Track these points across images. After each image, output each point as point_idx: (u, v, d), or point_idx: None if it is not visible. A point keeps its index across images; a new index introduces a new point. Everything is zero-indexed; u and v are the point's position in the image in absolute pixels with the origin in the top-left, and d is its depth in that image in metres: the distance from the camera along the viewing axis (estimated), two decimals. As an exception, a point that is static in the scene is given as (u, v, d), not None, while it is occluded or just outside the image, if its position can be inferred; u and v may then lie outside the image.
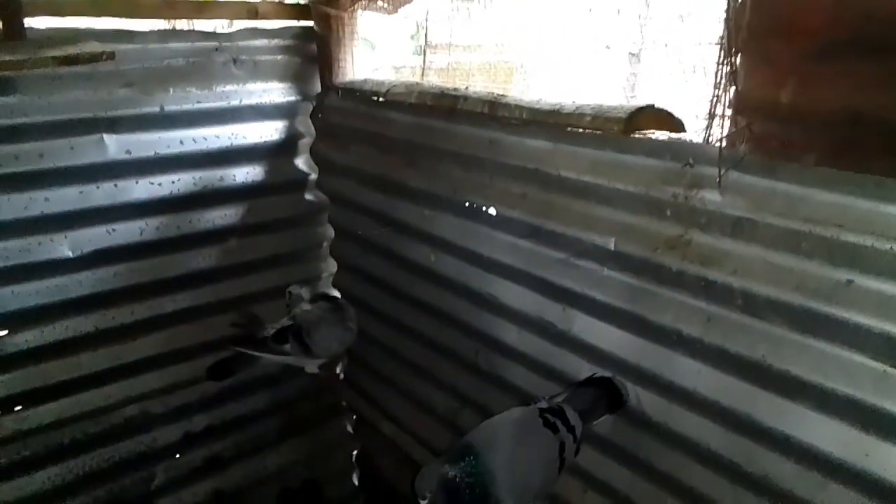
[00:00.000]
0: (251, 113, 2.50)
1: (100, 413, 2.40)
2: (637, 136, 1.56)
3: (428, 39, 2.76)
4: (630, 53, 3.09)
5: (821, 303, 1.27)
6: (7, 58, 1.76)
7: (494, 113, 1.77)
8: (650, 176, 1.53)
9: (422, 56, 2.63)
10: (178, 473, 2.63)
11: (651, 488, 1.70)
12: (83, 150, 2.17)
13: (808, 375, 1.31)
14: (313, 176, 2.74)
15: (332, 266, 2.88)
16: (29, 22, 1.99)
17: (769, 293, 1.34)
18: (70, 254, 2.21)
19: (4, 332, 2.17)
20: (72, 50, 1.85)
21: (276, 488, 2.82)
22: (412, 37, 3.11)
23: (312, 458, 2.96)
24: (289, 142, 2.64)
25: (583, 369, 1.79)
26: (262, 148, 2.57)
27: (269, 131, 2.57)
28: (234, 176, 2.53)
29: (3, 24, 1.93)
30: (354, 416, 3.11)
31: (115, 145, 2.22)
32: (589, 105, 1.56)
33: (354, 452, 3.15)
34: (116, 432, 2.45)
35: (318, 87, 2.64)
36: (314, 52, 2.59)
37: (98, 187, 2.22)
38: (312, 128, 2.66)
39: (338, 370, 3.00)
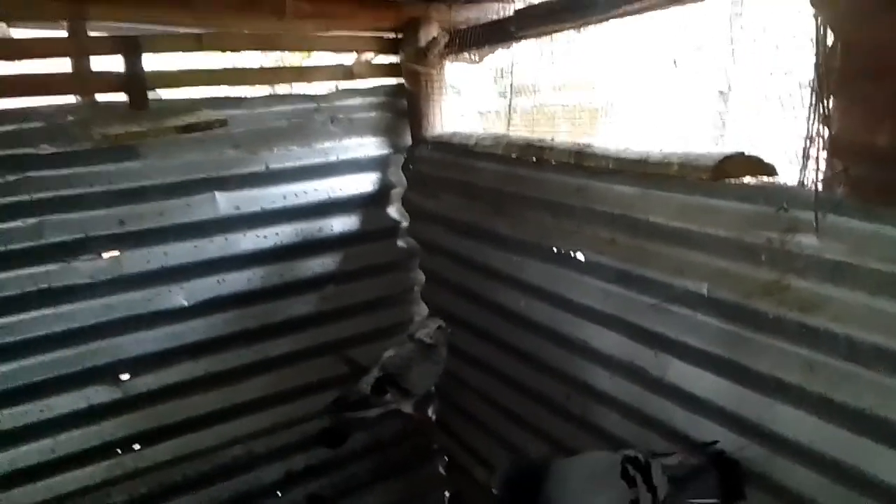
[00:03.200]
0: (347, 167, 2.65)
1: (209, 452, 2.55)
2: (726, 181, 1.56)
3: (512, 84, 2.84)
4: (719, 91, 3.06)
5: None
6: (134, 128, 1.98)
7: (581, 162, 1.81)
8: (743, 220, 1.51)
9: (507, 99, 2.72)
10: (280, 512, 2.74)
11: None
12: (198, 208, 2.36)
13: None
14: (405, 224, 2.85)
15: (423, 310, 2.96)
16: (151, 94, 2.22)
17: (874, 340, 1.29)
18: (185, 303, 2.39)
19: (126, 377, 2.35)
20: (189, 119, 2.04)
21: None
22: (496, 80, 3.20)
23: (406, 499, 3.01)
24: (382, 192, 2.77)
25: (677, 416, 1.76)
26: (358, 199, 2.71)
27: (364, 183, 2.72)
28: (332, 226, 2.67)
29: (129, 97, 2.16)
30: (447, 459, 3.14)
31: (225, 202, 2.40)
32: (676, 153, 1.57)
33: (447, 495, 3.17)
34: (224, 471, 2.59)
35: (408, 140, 2.77)
36: (405, 106, 2.73)
37: (211, 241, 2.41)
38: (404, 178, 2.79)
39: (430, 412, 3.05)
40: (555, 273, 2.07)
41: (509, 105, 2.53)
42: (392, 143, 2.75)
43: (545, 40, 2.36)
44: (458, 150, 2.47)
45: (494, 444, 2.63)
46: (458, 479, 3.07)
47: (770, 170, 1.47)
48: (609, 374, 1.97)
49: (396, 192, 2.81)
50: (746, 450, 1.59)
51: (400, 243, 2.88)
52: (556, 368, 2.19)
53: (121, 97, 2.17)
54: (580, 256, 1.96)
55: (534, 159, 2.10)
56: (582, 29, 2.12)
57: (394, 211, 2.84)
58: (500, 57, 2.75)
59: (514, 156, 2.18)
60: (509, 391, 2.48)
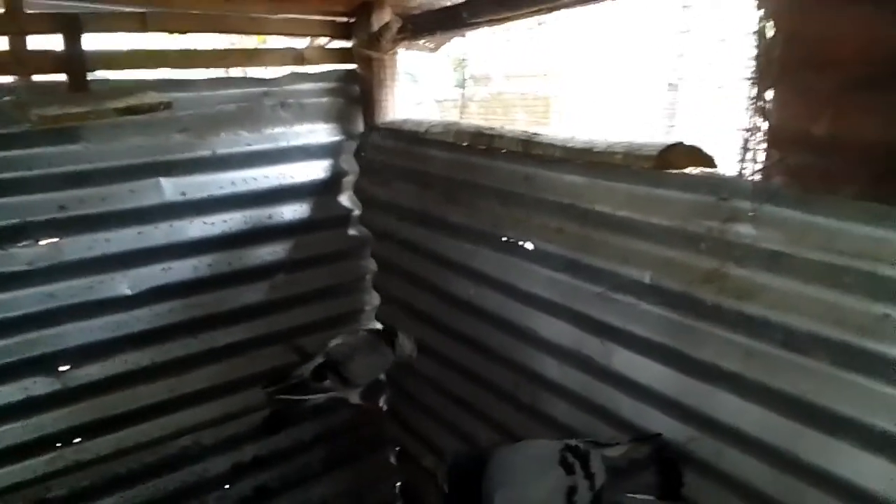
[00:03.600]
0: (298, 153, 2.61)
1: (155, 444, 2.49)
2: (671, 170, 1.58)
3: (469, 73, 2.83)
4: (669, 84, 3.11)
5: (861, 337, 1.25)
6: (73, 110, 1.90)
7: (529, 151, 1.81)
8: (685, 210, 1.54)
9: (464, 88, 2.70)
10: (227, 503, 2.70)
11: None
12: (142, 194, 2.29)
13: (850, 412, 1.28)
14: (357, 212, 2.82)
15: (375, 299, 2.94)
16: (92, 75, 2.14)
17: (809, 328, 1.33)
18: (129, 291, 2.32)
19: (67, 367, 2.28)
20: (132, 101, 1.98)
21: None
22: (455, 69, 3.19)
23: (357, 489, 3.00)
24: (333, 180, 2.73)
25: (623, 404, 1.79)
26: (309, 186, 2.67)
27: (315, 170, 2.67)
28: (283, 214, 2.62)
29: (69, 77, 2.08)
30: (398, 449, 3.14)
31: (171, 188, 2.34)
32: (620, 143, 1.58)
33: (398, 485, 3.17)
34: (171, 463, 2.54)
35: (360, 127, 2.73)
36: (357, 93, 2.70)
37: (156, 228, 2.34)
38: (356, 166, 2.75)
39: (381, 402, 3.04)
40: (505, 261, 2.07)
41: (462, 93, 2.52)
42: (344, 130, 2.71)
43: (500, 29, 2.36)
44: (410, 138, 2.45)
45: (445, 432, 2.63)
46: (409, 468, 3.06)
47: (710, 160, 1.49)
48: (557, 362, 1.98)
49: (348, 180, 2.78)
50: (691, 439, 1.62)
51: (352, 231, 2.85)
52: (506, 357, 2.20)
53: (60, 78, 2.08)
54: (529, 245, 1.97)
55: (484, 147, 2.09)
56: (535, 17, 2.12)
57: (345, 199, 2.80)
58: (457, 45, 2.74)
59: (464, 144, 2.16)
60: (460, 380, 2.49)
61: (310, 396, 2.14)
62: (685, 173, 1.56)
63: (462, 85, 2.75)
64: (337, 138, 2.69)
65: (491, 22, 2.10)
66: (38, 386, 2.22)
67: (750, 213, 1.40)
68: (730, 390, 1.49)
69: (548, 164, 1.87)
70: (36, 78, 2.12)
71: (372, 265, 2.89)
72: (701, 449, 1.60)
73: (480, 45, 2.59)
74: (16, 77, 2.08)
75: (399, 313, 2.77)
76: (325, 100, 2.64)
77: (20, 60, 2.02)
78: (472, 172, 2.16)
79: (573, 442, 1.59)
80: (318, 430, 2.86)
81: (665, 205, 1.58)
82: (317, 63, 2.61)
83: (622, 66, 2.87)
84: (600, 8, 2.02)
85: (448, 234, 2.31)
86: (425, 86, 2.94)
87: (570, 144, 1.69)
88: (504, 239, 2.06)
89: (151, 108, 1.97)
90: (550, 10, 1.99)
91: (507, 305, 2.11)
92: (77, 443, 2.35)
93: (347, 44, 2.63)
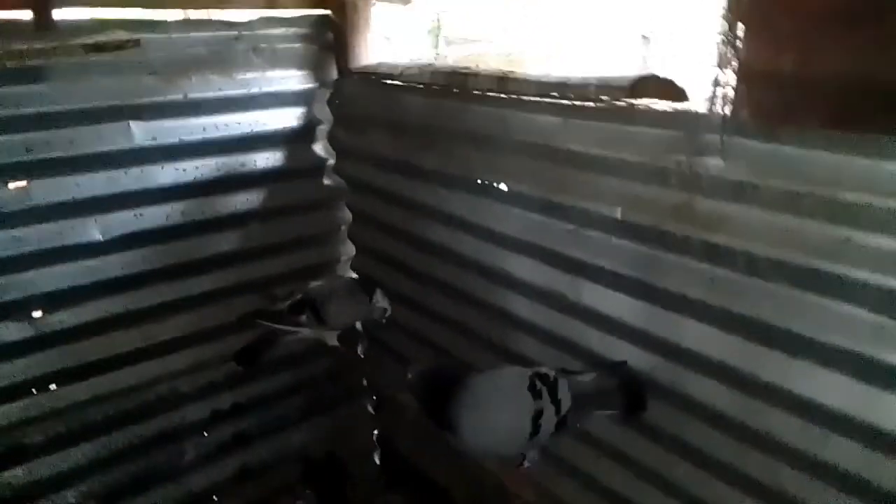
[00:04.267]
0: (270, 100, 2.58)
1: (132, 391, 2.49)
2: (642, 107, 1.61)
3: (443, 32, 2.82)
4: (642, 36, 3.12)
5: (821, 260, 1.30)
6: (38, 45, 1.86)
7: (504, 88, 1.83)
8: (655, 145, 1.57)
9: (437, 50, 2.69)
10: (206, 450, 2.72)
11: (658, 450, 1.75)
12: (111, 137, 2.26)
13: (809, 332, 1.35)
14: (331, 161, 2.81)
15: (350, 249, 2.95)
16: (57, 13, 2.08)
17: (771, 254, 1.38)
18: (100, 237, 2.30)
19: (39, 314, 2.26)
20: (100, 38, 1.93)
21: (300, 465, 2.89)
22: (429, 31, 3.17)
23: (335, 436, 3.04)
24: (307, 128, 2.72)
25: (592, 338, 1.85)
26: (282, 134, 2.65)
27: (288, 118, 2.65)
28: (255, 161, 2.61)
29: (34, 14, 2.02)
30: (374, 398, 3.19)
31: (141, 132, 2.30)
32: (594, 76, 1.61)
33: (375, 432, 3.22)
34: (148, 410, 2.55)
35: (334, 75, 2.71)
36: (331, 39, 2.66)
37: (125, 173, 2.31)
38: (329, 114, 2.74)
39: (359, 350, 3.08)
40: (479, 204, 2.10)
41: (436, 53, 2.52)
42: (317, 77, 2.68)
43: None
44: (385, 84, 2.44)
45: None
46: (386, 417, 3.12)
47: (681, 94, 1.52)
48: (529, 301, 2.03)
49: (322, 129, 2.76)
50: (655, 367, 1.68)
51: (326, 181, 2.84)
52: (480, 299, 2.24)
53: (24, 15, 2.03)
54: (503, 187, 2.00)
55: (459, 91, 2.10)
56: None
57: (320, 148, 2.79)
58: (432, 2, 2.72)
59: (439, 87, 2.17)
60: (435, 325, 2.53)
61: (285, 327, 2.15)
62: (656, 109, 1.59)
63: (436, 45, 2.73)
64: (310, 86, 2.67)
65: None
66: (10, 331, 2.21)
67: (718, 146, 1.44)
68: (694, 317, 1.55)
69: (522, 106, 1.89)
70: (-1, 15, 2.06)
71: (347, 215, 2.90)
72: (665, 375, 1.67)
73: (455, 5, 2.57)
74: (-22, 14, 2.02)
75: (374, 263, 2.79)
76: (297, 45, 2.61)
77: (-18, -4, 1.95)
78: (447, 117, 2.17)
79: (542, 370, 1.65)
80: (296, 378, 2.89)
81: (636, 141, 1.62)
82: (289, 7, 2.56)
83: (594, 21, 2.87)
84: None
85: (423, 180, 2.33)
86: (399, 46, 2.91)
87: (544, 80, 1.71)
88: (478, 182, 2.08)
89: (120, 46, 1.94)
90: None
91: (481, 248, 2.15)
92: (52, 389, 2.35)
93: (320, -13, 2.59)
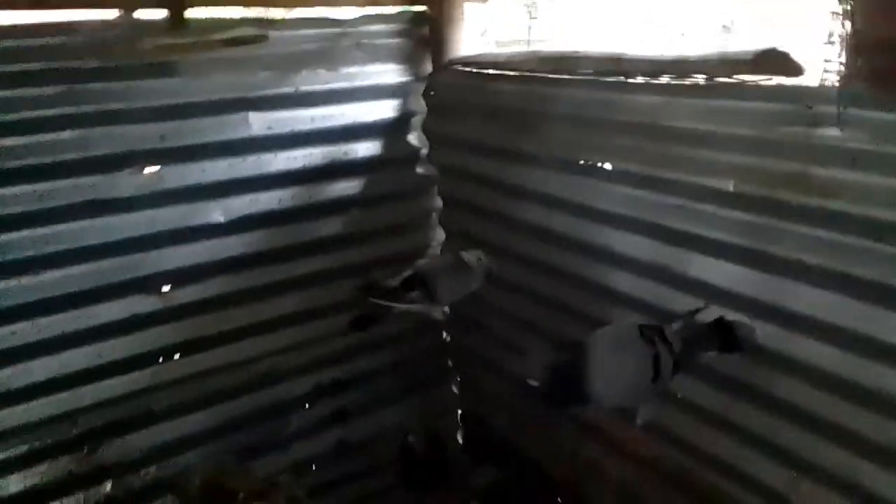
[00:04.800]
0: (371, 92, 2.73)
1: (245, 364, 2.67)
2: (752, 83, 1.69)
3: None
4: (723, 26, 3.18)
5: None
6: (180, 41, 2.04)
7: (619, 69, 1.92)
8: (768, 119, 1.65)
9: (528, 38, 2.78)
10: (307, 423, 2.89)
11: (768, 417, 1.81)
12: (232, 127, 2.45)
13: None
14: (424, 151, 2.95)
15: (440, 235, 3.08)
16: (189, 12, 2.28)
17: (890, 217, 1.44)
18: (222, 219, 2.49)
19: (167, 288, 2.46)
20: (232, 34, 2.11)
21: (396, 440, 3.02)
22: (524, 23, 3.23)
23: (425, 415, 3.16)
24: (403, 119, 2.86)
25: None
26: (381, 125, 2.80)
27: (386, 110, 2.80)
28: (357, 151, 2.76)
29: (169, 13, 2.22)
30: (459, 379, 3.30)
31: (258, 122, 2.48)
32: (712, 53, 1.69)
33: (459, 412, 3.34)
34: (257, 382, 2.72)
35: (429, 68, 2.85)
36: (426, 34, 2.81)
37: (244, 160, 2.49)
38: (424, 106, 2.87)
39: (443, 335, 3.20)
40: (580, 184, 2.20)
41: (528, 39, 2.63)
42: (413, 71, 2.82)
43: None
44: (482, 74, 2.56)
45: (513, 357, 2.78)
46: (469, 397, 3.23)
47: (798, 68, 1.59)
48: (632, 276, 2.11)
49: (416, 120, 2.90)
50: (767, 334, 1.75)
51: (419, 170, 2.98)
52: (577, 276, 2.33)
53: (160, 14, 2.23)
54: (607, 166, 2.09)
55: (558, 77, 2.21)
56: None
57: (414, 138, 2.93)
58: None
59: (536, 75, 2.27)
60: (526, 302, 2.63)
61: (396, 304, 2.28)
62: (767, 85, 1.66)
63: (528, 37, 2.82)
64: (407, 79, 2.81)
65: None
66: (143, 304, 2.41)
67: (834, 117, 1.51)
68: (809, 283, 1.62)
69: (625, 88, 1.99)
70: (138, 14, 2.26)
71: (438, 203, 3.03)
72: (776, 341, 1.73)
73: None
74: (119, 12, 2.23)
75: (464, 246, 2.90)
76: (396, 40, 2.76)
77: (126, -4, 2.16)
78: (547, 102, 2.28)
79: (644, 322, 1.74)
80: (391, 358, 3.02)
81: (747, 116, 1.69)
82: (389, 5, 2.71)
83: (674, 11, 2.95)
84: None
85: (521, 164, 2.44)
86: (490, 40, 3.02)
87: (661, 58, 1.80)
88: (581, 162, 2.17)
89: (252, 40, 2.11)
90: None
91: (580, 226, 2.24)
92: (176, 360, 2.54)
93: (417, -16, 2.73)
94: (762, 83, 1.69)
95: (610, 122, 2.04)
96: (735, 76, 1.68)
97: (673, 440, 2.10)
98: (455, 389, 3.34)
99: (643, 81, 1.95)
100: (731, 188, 1.74)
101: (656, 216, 1.96)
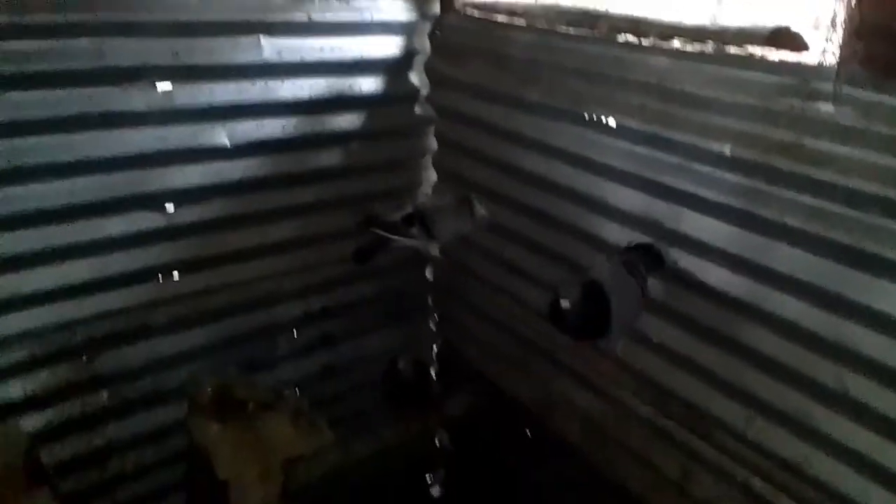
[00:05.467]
0: (379, 28, 2.77)
1: (241, 286, 2.75)
2: (758, 55, 1.82)
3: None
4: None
5: (916, 195, 1.54)
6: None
7: (637, 30, 2.03)
8: (768, 90, 1.78)
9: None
10: (295, 347, 3.01)
11: (738, 363, 2.01)
12: (244, 50, 2.46)
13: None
14: (424, 91, 3.01)
15: (432, 175, 3.18)
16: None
17: (870, 189, 1.61)
18: (227, 142, 2.53)
19: (171, 207, 2.51)
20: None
21: (376, 367, 3.18)
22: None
23: (406, 344, 3.32)
24: (407, 57, 2.90)
25: (684, 260, 2.09)
26: (384, 61, 2.84)
27: (392, 46, 2.84)
28: (360, 85, 2.80)
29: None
30: (436, 315, 3.46)
31: (269, 47, 2.51)
32: (730, 25, 1.81)
33: (434, 346, 3.51)
34: (251, 304, 2.81)
35: (437, 9, 2.88)
36: (435, -26, 2.84)
37: (253, 84, 2.52)
38: (428, 46, 2.92)
39: (427, 272, 3.33)
40: (583, 136, 2.31)
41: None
42: (420, 10, 2.85)
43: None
44: (490, 20, 2.63)
45: (495, 296, 2.94)
46: (447, 331, 3.39)
47: (804, 45, 1.72)
48: (624, 227, 2.26)
49: (419, 59, 2.95)
50: (746, 288, 1.93)
51: (417, 109, 3.05)
52: (569, 224, 2.47)
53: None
54: (611, 121, 2.21)
55: (572, 32, 2.30)
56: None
57: (415, 77, 2.98)
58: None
59: (564, 22, 2.35)
60: (516, 247, 2.77)
61: (397, 237, 2.39)
62: (772, 59, 1.80)
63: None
64: (413, 17, 2.85)
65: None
66: (146, 221, 2.46)
67: (830, 94, 1.66)
68: (790, 243, 1.79)
69: (638, 49, 2.09)
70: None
71: (433, 143, 3.11)
72: (753, 295, 1.92)
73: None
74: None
75: (457, 189, 3.01)
76: (405, -23, 2.79)
77: None
78: (557, 54, 2.37)
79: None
80: (376, 288, 3.15)
81: (749, 85, 1.83)
82: (402, -60, 2.73)
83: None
84: None
85: (523, 111, 2.53)
86: None
87: (680, 25, 1.91)
88: (585, 116, 2.29)
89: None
90: None
91: (579, 178, 2.37)
92: (174, 278, 2.61)
93: (432, -77, 2.75)
94: (767, 56, 1.82)
95: (619, 79, 2.15)
96: (745, 47, 1.80)
97: (640, 377, 2.30)
98: (432, 325, 3.50)
99: (653, 43, 2.06)
100: (727, 152, 1.88)
101: (654, 173, 2.10)
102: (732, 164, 1.89)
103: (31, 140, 2.15)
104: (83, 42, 2.15)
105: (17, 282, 2.27)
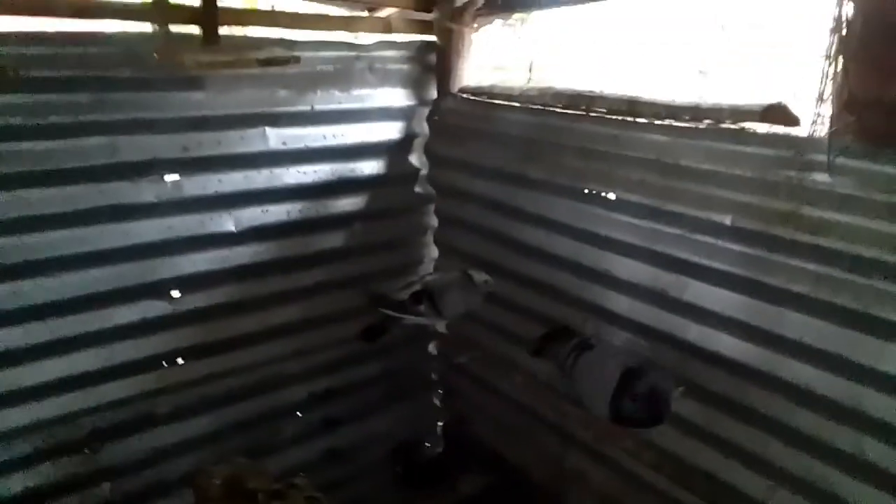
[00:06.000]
0: (379, 114, 2.87)
1: (245, 370, 2.74)
2: (752, 130, 1.91)
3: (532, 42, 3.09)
4: (699, 71, 3.45)
5: (916, 261, 1.59)
6: (220, 58, 2.14)
7: (633, 111, 2.12)
8: (765, 162, 1.86)
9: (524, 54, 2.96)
10: (300, 430, 2.96)
11: (756, 433, 2.00)
12: (250, 141, 2.54)
13: (902, 320, 1.62)
14: (424, 171, 3.10)
15: (434, 252, 3.23)
16: (223, 30, 2.36)
17: (871, 254, 1.66)
18: (233, 229, 2.57)
19: (177, 294, 2.52)
20: (267, 53, 2.22)
21: (382, 448, 3.12)
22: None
23: (409, 424, 3.28)
24: (406, 140, 3.00)
25: (691, 331, 2.12)
26: (385, 145, 2.94)
27: (392, 131, 2.94)
28: (362, 169, 2.89)
29: (202, 30, 2.30)
30: (441, 392, 3.43)
31: (274, 137, 2.59)
32: (724, 103, 1.90)
33: (440, 424, 3.47)
34: (256, 388, 2.79)
35: (433, 93, 3.00)
36: (433, 62, 2.96)
37: (259, 173, 2.59)
38: (426, 128, 3.03)
39: (430, 347, 3.33)
40: (583, 211, 2.38)
41: (531, 63, 2.81)
42: (418, 96, 2.97)
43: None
44: (488, 102, 2.74)
45: (502, 370, 2.93)
46: (452, 407, 3.37)
47: (795, 119, 1.81)
48: (629, 298, 2.30)
49: (419, 141, 3.05)
50: (754, 354, 1.95)
51: (418, 189, 3.12)
52: (574, 296, 2.50)
53: (193, 30, 2.31)
54: (611, 196, 2.28)
55: (567, 111, 2.40)
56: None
57: (415, 158, 3.07)
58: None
59: (543, 106, 2.45)
60: (519, 319, 2.78)
61: (405, 316, 2.40)
62: (765, 133, 1.88)
63: (529, 71, 2.99)
64: (412, 103, 2.96)
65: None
66: (154, 309, 2.46)
67: (825, 164, 1.73)
68: (797, 309, 1.82)
69: (634, 126, 2.18)
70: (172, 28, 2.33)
71: (434, 220, 3.17)
72: (761, 362, 1.93)
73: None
74: (155, 26, 2.30)
75: (458, 264, 3.04)
76: (405, 66, 2.90)
77: (162, 11, 2.23)
78: (554, 133, 2.46)
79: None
80: (381, 368, 3.13)
81: (746, 158, 1.90)
82: (401, 32, 2.86)
83: (653, 55, 3.20)
84: None
85: (523, 187, 2.61)
86: (487, 53, 3.20)
87: (674, 104, 2.00)
88: (585, 191, 2.35)
89: (285, 61, 2.23)
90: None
91: (582, 250, 2.42)
92: (180, 364, 2.59)
93: (427, 16, 2.88)
94: (760, 130, 1.90)
95: (617, 155, 2.23)
96: (740, 123, 1.88)
97: (660, 451, 2.28)
98: (437, 401, 3.46)
99: (648, 121, 2.15)
100: (728, 222, 1.94)
101: (657, 244, 2.15)
102: (735, 234, 1.94)
103: (44, 235, 2.18)
104: (96, 140, 2.21)
105: (22, 375, 2.24)
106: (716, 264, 2.00)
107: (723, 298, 2.01)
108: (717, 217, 1.97)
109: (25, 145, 2.09)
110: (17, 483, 2.30)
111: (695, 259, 2.05)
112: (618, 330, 2.37)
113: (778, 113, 1.79)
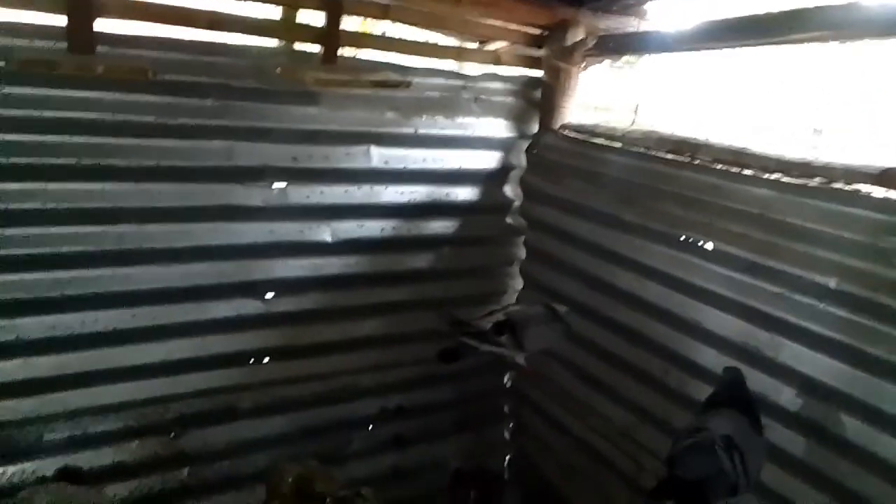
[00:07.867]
0: (479, 143, 2.94)
1: (323, 377, 2.82)
2: (864, 192, 1.83)
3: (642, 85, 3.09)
4: (814, 129, 3.35)
5: None
6: (337, 77, 2.26)
7: (740, 161, 2.08)
8: (878, 227, 1.78)
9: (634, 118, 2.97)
10: (368, 444, 3.01)
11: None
12: (355, 157, 2.65)
13: None
14: (517, 203, 3.13)
15: (518, 283, 3.24)
16: (340, 51, 2.50)
17: None
18: (329, 240, 2.67)
19: (271, 296, 2.64)
20: (380, 76, 2.32)
21: (446, 472, 3.12)
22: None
23: (475, 454, 3.27)
24: (503, 171, 3.05)
25: (783, 393, 2.03)
26: (482, 173, 2.99)
27: (490, 160, 3.00)
28: (458, 194, 2.95)
29: (324, 50, 2.44)
30: (511, 425, 3.41)
31: (377, 156, 2.69)
32: (837, 162, 1.84)
33: (508, 457, 3.43)
34: (332, 397, 2.87)
35: (535, 128, 3.04)
36: (537, 97, 3.01)
37: (359, 189, 2.70)
38: (524, 161, 3.06)
39: (506, 379, 3.32)
40: (677, 258, 2.33)
41: (636, 106, 2.81)
42: (519, 129, 3.02)
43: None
44: (588, 142, 2.74)
45: (575, 411, 2.89)
46: (521, 442, 3.33)
47: (915, 185, 1.73)
48: (717, 352, 2.22)
49: (515, 173, 3.09)
50: (853, 427, 1.84)
51: (509, 220, 3.16)
52: (659, 344, 2.44)
53: (315, 48, 2.45)
54: (709, 246, 2.23)
55: (665, 157, 2.38)
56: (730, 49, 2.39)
57: (509, 190, 3.11)
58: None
59: (652, 151, 2.44)
60: (598, 362, 2.75)
61: (485, 346, 2.41)
62: (879, 197, 1.80)
63: (634, 116, 3.00)
64: (513, 135, 3.01)
65: (693, 47, 2.38)
66: (248, 307, 2.59)
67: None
68: (901, 384, 1.72)
69: (738, 178, 2.14)
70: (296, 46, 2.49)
71: (521, 252, 3.19)
72: (860, 436, 1.83)
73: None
74: (280, 43, 2.46)
75: (541, 297, 3.04)
76: (509, 99, 2.97)
77: (289, 29, 2.39)
78: (655, 177, 2.43)
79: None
80: (454, 393, 3.15)
81: (857, 221, 1.83)
82: (509, 65, 2.93)
83: (764, 107, 3.14)
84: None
85: (618, 230, 2.58)
86: (589, 93, 3.21)
87: (784, 159, 1.96)
88: (682, 239, 2.31)
89: (397, 85, 2.32)
90: (750, 45, 2.25)
91: (672, 298, 2.37)
92: (265, 363, 2.70)
93: (537, 52, 2.94)
94: (872, 194, 1.83)
95: (718, 206, 2.19)
96: (853, 185, 1.82)
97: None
98: (506, 434, 3.44)
99: (753, 174, 2.10)
100: (833, 285, 1.86)
101: (753, 300, 2.08)
102: (838, 298, 1.86)
103: (159, 227, 2.35)
104: (216, 143, 2.37)
105: (124, 355, 2.40)
106: (815, 327, 1.92)
107: (821, 364, 1.92)
108: (820, 279, 1.90)
109: (154, 142, 2.27)
110: (106, 456, 2.45)
111: (793, 319, 1.97)
112: (704, 384, 2.29)
113: (895, 177, 1.71)
